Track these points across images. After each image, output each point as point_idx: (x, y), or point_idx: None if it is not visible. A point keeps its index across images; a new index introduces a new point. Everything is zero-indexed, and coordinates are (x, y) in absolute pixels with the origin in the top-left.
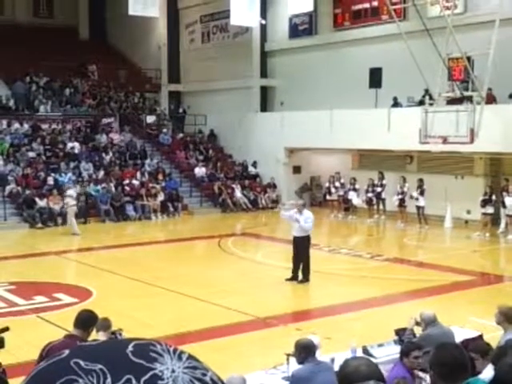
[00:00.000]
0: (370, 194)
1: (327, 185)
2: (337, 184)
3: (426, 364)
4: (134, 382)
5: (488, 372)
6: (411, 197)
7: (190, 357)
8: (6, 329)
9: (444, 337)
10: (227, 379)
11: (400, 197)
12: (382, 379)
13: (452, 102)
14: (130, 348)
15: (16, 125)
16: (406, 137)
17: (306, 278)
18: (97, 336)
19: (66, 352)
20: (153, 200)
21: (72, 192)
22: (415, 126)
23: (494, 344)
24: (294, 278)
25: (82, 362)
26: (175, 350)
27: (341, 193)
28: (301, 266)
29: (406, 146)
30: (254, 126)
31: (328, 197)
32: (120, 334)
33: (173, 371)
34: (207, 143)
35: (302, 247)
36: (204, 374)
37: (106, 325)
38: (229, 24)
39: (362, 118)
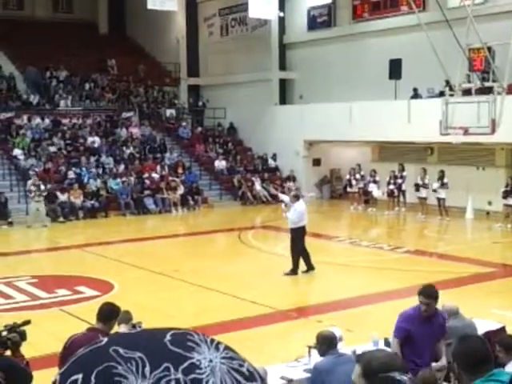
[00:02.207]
0: (391, 186)
1: (348, 177)
2: (357, 176)
3: (449, 356)
4: (172, 370)
5: None
6: (433, 190)
7: (227, 348)
8: (28, 322)
9: (466, 329)
10: None
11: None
12: (404, 371)
13: (469, 92)
14: (168, 337)
15: (37, 120)
16: (427, 128)
17: (294, 271)
18: (118, 329)
19: (105, 340)
20: (173, 193)
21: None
22: (435, 117)
23: None
24: (308, 268)
25: (121, 350)
26: (212, 341)
27: (361, 185)
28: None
29: (427, 137)
30: (273, 118)
31: (349, 189)
32: (140, 327)
33: (210, 361)
34: (227, 136)
35: (293, 239)
36: (241, 365)
37: (127, 317)
38: (247, 17)
39: (381, 109)
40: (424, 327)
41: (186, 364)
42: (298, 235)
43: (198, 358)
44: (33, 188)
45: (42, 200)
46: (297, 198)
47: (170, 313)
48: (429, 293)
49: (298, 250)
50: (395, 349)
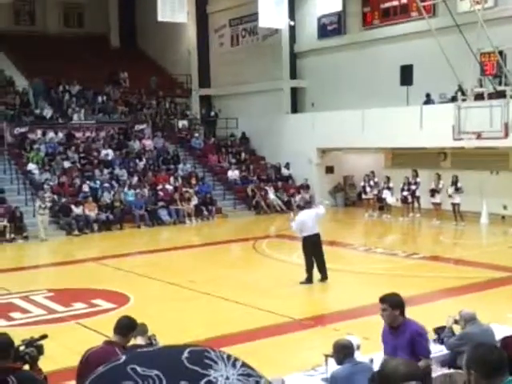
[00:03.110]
0: (405, 193)
1: (362, 184)
2: (371, 183)
3: (463, 364)
4: None
5: None
6: (448, 195)
7: (244, 364)
8: (45, 336)
9: (483, 335)
10: None
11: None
12: (421, 379)
13: (481, 97)
14: (186, 354)
15: (51, 134)
16: (439, 134)
17: (308, 280)
18: (135, 341)
19: (123, 358)
20: (186, 204)
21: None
22: (448, 122)
23: None
24: (322, 277)
25: (138, 368)
26: (229, 357)
27: (375, 192)
28: (315, 266)
29: (440, 142)
30: (285, 127)
31: (364, 196)
32: (154, 340)
33: (227, 378)
34: (239, 146)
35: (302, 248)
36: (257, 382)
37: (143, 330)
38: (257, 26)
39: (393, 116)
40: (391, 339)
41: (202, 382)
42: (304, 244)
43: (215, 376)
44: (38, 202)
45: (47, 213)
46: (299, 208)
47: (186, 324)
48: (383, 299)
49: (306, 259)
50: None
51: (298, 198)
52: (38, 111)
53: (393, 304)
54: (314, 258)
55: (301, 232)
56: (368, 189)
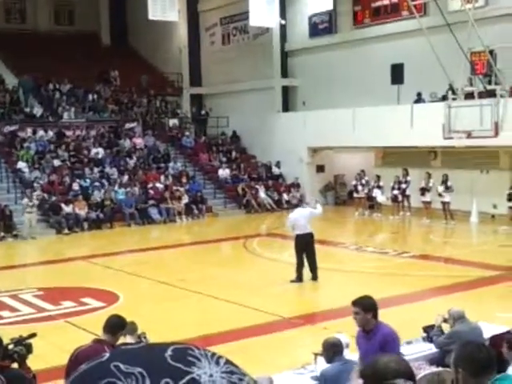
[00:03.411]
0: (395, 191)
1: (354, 182)
2: (363, 181)
3: (451, 362)
4: None
5: None
6: (438, 194)
7: (228, 362)
8: (34, 335)
9: (472, 333)
10: None
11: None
12: (412, 376)
13: (472, 96)
14: (169, 352)
15: (41, 132)
16: (430, 132)
17: (298, 278)
18: (124, 339)
19: (107, 355)
20: (177, 203)
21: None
22: (439, 121)
23: None
24: (312, 278)
25: (121, 365)
26: (213, 355)
27: (365, 190)
28: (306, 265)
29: (430, 141)
30: (276, 126)
31: (355, 194)
32: (144, 338)
33: (210, 375)
34: (230, 145)
35: (295, 246)
36: (241, 379)
37: (132, 328)
38: (248, 25)
39: (384, 114)
40: (363, 342)
41: (185, 379)
42: (296, 243)
43: (198, 373)
44: (25, 200)
45: (35, 211)
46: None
47: (175, 323)
48: (356, 302)
49: (297, 257)
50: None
51: (298, 194)
52: (27, 109)
53: (365, 307)
54: (306, 257)
55: (293, 230)
56: (360, 187)
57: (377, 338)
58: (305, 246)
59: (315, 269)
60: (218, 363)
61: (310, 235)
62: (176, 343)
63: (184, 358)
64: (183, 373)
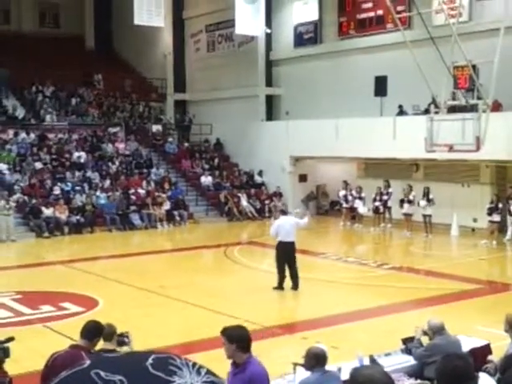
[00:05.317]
0: (377, 203)
1: (344, 193)
2: (353, 192)
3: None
4: None
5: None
6: (418, 205)
7: (209, 372)
8: (11, 339)
9: (451, 346)
10: None
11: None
12: None
13: (454, 110)
14: (150, 361)
15: (23, 134)
16: (412, 145)
17: (279, 285)
18: (103, 345)
19: (88, 362)
20: (158, 209)
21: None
22: (421, 134)
23: (501, 353)
24: (292, 287)
25: (102, 373)
26: (194, 365)
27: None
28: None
29: (412, 154)
30: (259, 134)
31: (345, 205)
32: (127, 337)
33: None
34: (213, 152)
35: (275, 253)
36: None
37: (110, 332)
38: (234, 33)
39: (367, 126)
40: (231, 376)
41: None
42: (277, 249)
43: (179, 382)
44: (2, 202)
45: (11, 214)
46: (282, 212)
47: (154, 329)
48: (222, 331)
49: (278, 264)
50: None
51: (280, 203)
52: (11, 111)
53: (229, 338)
54: (288, 267)
55: (276, 236)
56: (350, 197)
57: (245, 375)
58: (285, 254)
59: (296, 278)
60: (199, 373)
61: (292, 244)
62: (157, 352)
63: (165, 367)
64: (164, 382)
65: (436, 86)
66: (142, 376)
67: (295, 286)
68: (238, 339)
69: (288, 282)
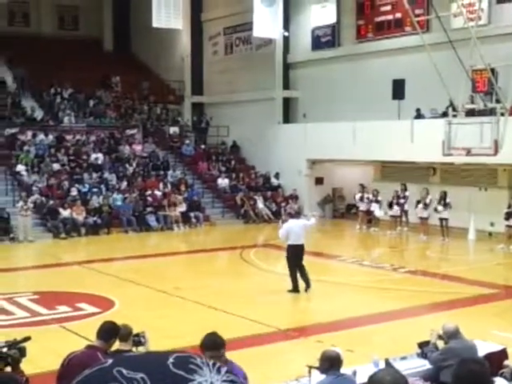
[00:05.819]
0: (396, 207)
1: (360, 195)
2: (370, 195)
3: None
4: None
5: None
6: (435, 209)
7: (228, 371)
8: (28, 338)
9: (466, 350)
10: None
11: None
12: None
13: (472, 113)
14: (171, 360)
15: (41, 136)
16: (429, 148)
17: (294, 289)
18: (119, 346)
19: (110, 361)
20: (174, 211)
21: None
22: (438, 137)
23: None
24: (306, 287)
25: (124, 371)
26: (214, 364)
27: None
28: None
29: (429, 157)
30: (276, 137)
31: (361, 207)
32: (143, 337)
33: (211, 383)
34: (230, 154)
35: (286, 257)
36: None
37: (126, 333)
38: (252, 36)
39: (384, 129)
40: None
41: None
42: (287, 252)
43: (200, 381)
44: (20, 203)
45: (29, 215)
46: (290, 216)
47: (170, 330)
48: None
49: (289, 267)
50: None
51: (288, 206)
52: (29, 113)
53: (203, 345)
54: (297, 268)
55: (287, 239)
56: (366, 200)
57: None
58: (297, 257)
59: (306, 276)
60: (219, 372)
61: (301, 247)
62: (178, 351)
63: (186, 365)
64: (184, 380)
65: (454, 90)
66: (163, 374)
67: (307, 285)
68: (212, 347)
69: (302, 285)
